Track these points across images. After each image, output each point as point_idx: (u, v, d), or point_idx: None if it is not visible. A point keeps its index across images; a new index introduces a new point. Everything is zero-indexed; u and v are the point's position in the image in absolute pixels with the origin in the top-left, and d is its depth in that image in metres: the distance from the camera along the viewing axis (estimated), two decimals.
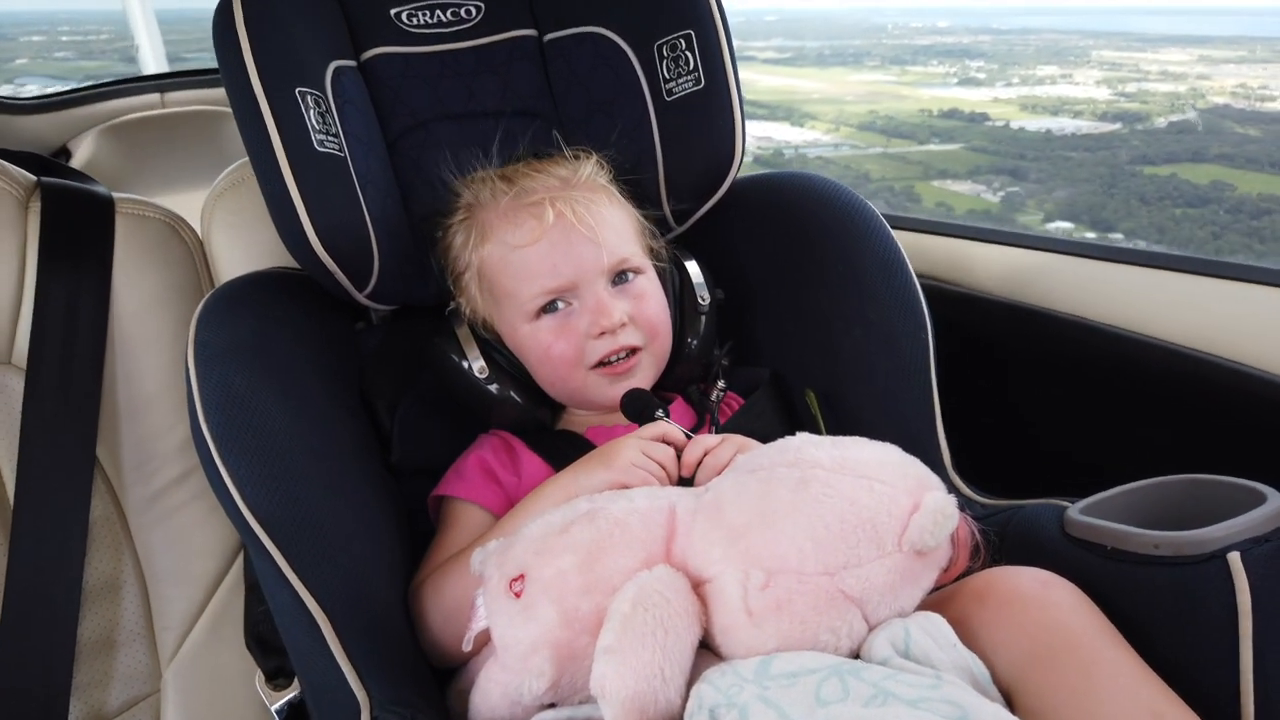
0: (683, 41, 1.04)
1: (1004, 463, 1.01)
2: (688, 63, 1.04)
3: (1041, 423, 1.14)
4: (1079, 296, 1.06)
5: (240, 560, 1.07)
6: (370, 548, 0.86)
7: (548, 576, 0.70)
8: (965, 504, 0.75)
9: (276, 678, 1.01)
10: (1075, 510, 0.79)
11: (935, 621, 0.67)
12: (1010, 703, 0.66)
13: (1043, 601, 0.69)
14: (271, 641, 1.00)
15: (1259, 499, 0.70)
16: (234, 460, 0.79)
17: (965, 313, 1.16)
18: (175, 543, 1.03)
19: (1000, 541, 0.75)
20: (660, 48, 1.05)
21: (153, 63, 2.83)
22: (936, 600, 0.72)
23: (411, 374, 1.02)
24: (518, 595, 0.71)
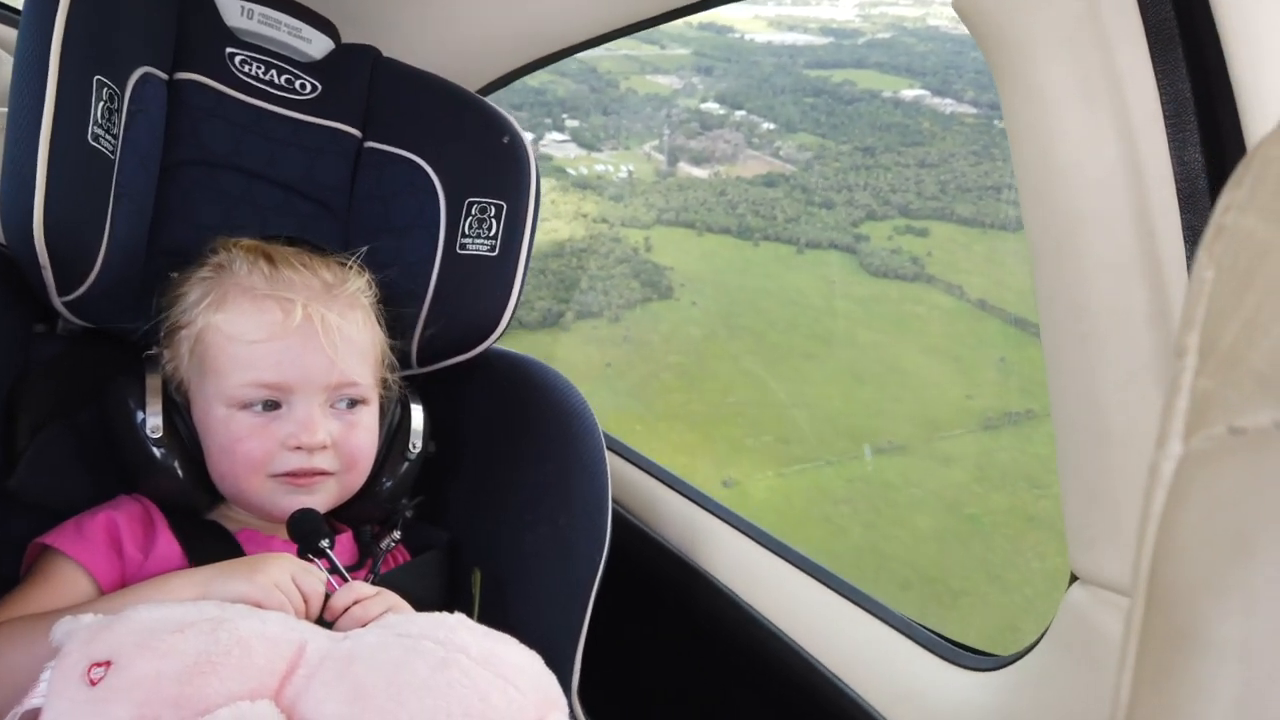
0: (493, 208, 1.08)
1: (624, 701, 1.04)
2: (490, 228, 1.08)
3: (670, 679, 1.20)
4: (743, 575, 1.14)
5: None
6: None
7: (139, 674, 0.63)
8: None
9: None
10: None
11: None
12: None
13: None
14: None
15: None
16: None
17: (641, 549, 1.22)
18: None
19: None
20: (470, 205, 1.08)
21: None
22: None
23: (75, 401, 0.92)
24: (94, 683, 0.63)
